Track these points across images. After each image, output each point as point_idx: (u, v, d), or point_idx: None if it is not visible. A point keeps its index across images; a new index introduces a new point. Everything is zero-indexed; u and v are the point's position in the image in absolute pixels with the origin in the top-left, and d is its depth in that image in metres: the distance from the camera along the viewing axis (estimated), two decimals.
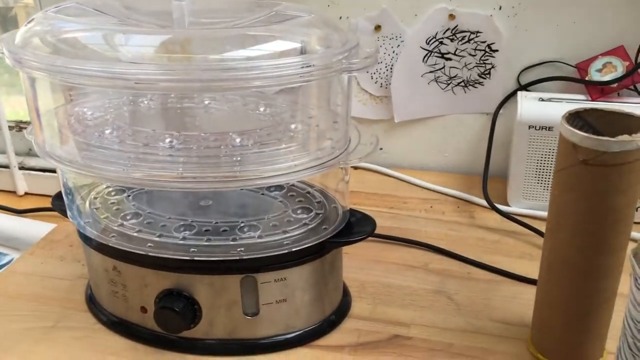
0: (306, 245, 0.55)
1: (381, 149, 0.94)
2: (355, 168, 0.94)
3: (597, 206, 0.47)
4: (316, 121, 0.57)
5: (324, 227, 0.57)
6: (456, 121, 0.89)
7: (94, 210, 0.61)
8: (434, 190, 0.87)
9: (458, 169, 0.92)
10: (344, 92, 0.55)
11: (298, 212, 0.60)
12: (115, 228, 0.58)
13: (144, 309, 0.58)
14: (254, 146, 0.52)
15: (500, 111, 0.85)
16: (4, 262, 0.82)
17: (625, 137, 0.44)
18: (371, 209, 0.82)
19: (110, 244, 0.56)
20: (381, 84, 0.88)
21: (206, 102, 0.62)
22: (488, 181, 0.82)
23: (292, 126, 0.57)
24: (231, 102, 0.62)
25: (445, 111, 0.89)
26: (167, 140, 0.53)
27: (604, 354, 0.56)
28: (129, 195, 0.63)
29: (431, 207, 0.83)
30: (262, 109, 0.61)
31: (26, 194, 1.02)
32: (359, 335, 0.60)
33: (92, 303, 0.63)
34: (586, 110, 0.50)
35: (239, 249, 0.54)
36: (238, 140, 0.53)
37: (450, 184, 0.88)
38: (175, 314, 0.55)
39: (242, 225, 0.58)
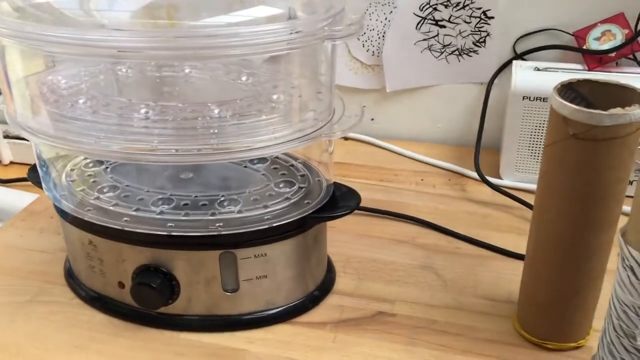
0: (287, 221, 0.53)
1: (372, 119, 0.92)
2: (346, 139, 0.92)
3: (587, 182, 0.45)
4: (299, 91, 0.55)
5: (306, 201, 0.56)
6: (450, 91, 0.87)
7: (70, 182, 0.59)
8: (425, 162, 0.85)
9: (451, 140, 0.89)
10: (328, 60, 0.52)
11: (280, 185, 0.58)
12: (92, 201, 0.56)
13: (121, 284, 0.56)
14: (232, 118, 0.50)
15: (495, 81, 0.82)
16: None
17: (617, 110, 0.42)
18: (361, 182, 0.81)
19: (85, 218, 0.54)
20: (373, 52, 0.85)
21: (187, 71, 0.60)
22: (481, 153, 0.80)
23: (274, 97, 0.55)
24: (213, 71, 0.59)
25: (439, 80, 0.86)
26: (143, 110, 0.51)
27: (590, 331, 0.55)
28: (107, 168, 0.61)
29: (422, 179, 0.81)
30: (244, 79, 0.58)
31: (11, 163, 1.00)
32: (342, 311, 0.59)
33: (71, 277, 0.62)
34: (579, 82, 0.47)
35: (217, 224, 0.53)
36: (216, 111, 0.51)
37: (442, 155, 0.86)
38: (152, 290, 0.53)
39: (222, 199, 0.56)
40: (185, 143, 0.48)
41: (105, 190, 0.57)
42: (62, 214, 0.57)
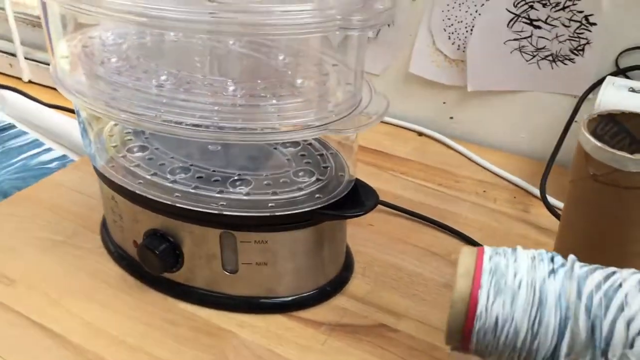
0: (290, 212, 0.51)
1: (452, 117, 0.86)
2: (420, 134, 0.87)
3: (606, 231, 0.38)
4: (324, 79, 0.52)
5: (317, 195, 0.53)
6: (538, 99, 0.78)
7: (109, 137, 0.61)
8: (493, 173, 0.78)
9: (532, 153, 0.81)
10: (354, 49, 0.49)
11: (299, 174, 0.56)
12: (119, 159, 0.58)
13: (135, 243, 0.58)
14: (242, 98, 0.49)
15: (590, 95, 0.73)
16: (53, 156, 0.85)
17: None
18: (418, 182, 0.76)
19: (106, 174, 0.56)
20: (458, 45, 0.79)
21: (231, 42, 0.59)
22: (557, 173, 0.71)
23: (298, 81, 0.52)
24: (254, 47, 0.58)
25: (527, 87, 0.78)
26: (162, 77, 0.51)
27: None
28: None
29: (484, 191, 0.75)
30: (281, 58, 0.56)
31: (30, 82, 1.05)
32: (344, 315, 0.56)
33: (104, 227, 0.65)
34: (624, 114, 0.40)
35: (220, 203, 0.52)
36: (231, 89, 0.50)
37: (516, 169, 0.78)
38: (155, 255, 0.54)
39: (235, 178, 0.55)
40: (185, 117, 0.47)
41: (135, 149, 0.59)
42: (95, 166, 0.60)
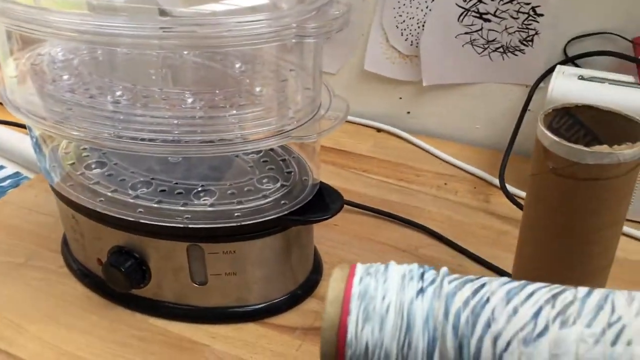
0: (256, 221, 0.51)
1: (409, 112, 0.86)
2: (378, 130, 0.87)
3: (566, 223, 0.39)
4: (282, 85, 0.52)
5: (283, 202, 0.53)
6: (492, 91, 0.80)
7: (65, 154, 0.59)
8: (453, 165, 0.79)
9: (489, 144, 0.83)
10: (310, 52, 0.49)
11: (264, 181, 0.56)
12: (76, 176, 0.56)
13: (99, 261, 0.57)
14: (202, 109, 0.48)
15: (541, 85, 0.75)
16: (5, 174, 0.82)
17: (602, 147, 0.36)
18: (379, 179, 0.77)
19: (63, 193, 0.54)
20: (411, 41, 0.80)
21: (185, 52, 0.58)
22: (516, 162, 0.73)
23: (257, 89, 0.52)
24: (206, 55, 0.57)
25: (481, 78, 0.79)
26: (118, 93, 0.50)
27: None
28: None
29: (445, 184, 0.76)
30: (237, 66, 0.56)
31: None
32: (316, 318, 0.56)
33: (65, 245, 0.63)
34: (578, 107, 0.41)
35: (185, 216, 0.51)
36: (190, 100, 0.49)
37: (475, 159, 0.80)
38: (120, 273, 0.53)
39: (199, 189, 0.54)
40: (144, 133, 0.46)
41: (93, 166, 0.57)
42: (51, 185, 0.58)
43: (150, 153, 0.47)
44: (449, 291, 0.29)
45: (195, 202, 0.53)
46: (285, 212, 0.52)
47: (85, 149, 0.60)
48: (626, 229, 0.65)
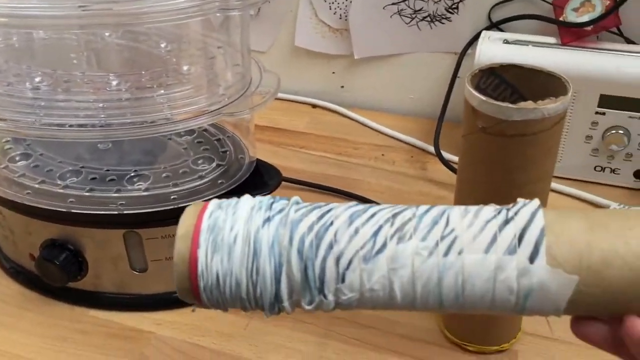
0: (195, 203, 0.50)
1: (342, 87, 0.87)
2: (314, 106, 0.87)
3: (499, 180, 0.40)
4: (211, 63, 0.50)
5: (220, 181, 0.52)
6: (423, 60, 0.81)
7: None
8: (389, 136, 0.80)
9: (423, 113, 0.84)
10: (237, 28, 0.48)
11: (199, 162, 0.55)
12: (0, 170, 0.54)
13: (32, 256, 0.54)
14: (128, 91, 0.46)
15: (468, 51, 0.76)
16: None
17: (528, 103, 0.37)
18: (318, 154, 0.76)
19: None
20: (340, 15, 0.80)
21: (106, 34, 0.56)
22: (452, 128, 0.74)
23: (185, 68, 0.51)
24: (129, 35, 0.55)
25: (411, 48, 0.80)
26: (37, 79, 0.48)
27: (518, 335, 0.51)
28: None
29: (383, 155, 0.76)
30: (163, 46, 0.54)
31: None
32: None
33: None
34: (502, 67, 0.42)
35: (119, 203, 0.50)
36: (115, 83, 0.47)
37: (410, 129, 0.81)
38: (56, 267, 0.51)
39: (132, 174, 0.53)
40: (69, 118, 0.44)
41: (17, 158, 0.55)
42: None
43: (76, 139, 0.46)
44: (294, 218, 0.30)
45: (129, 188, 0.51)
46: (223, 192, 0.51)
47: (8, 140, 0.57)
48: (555, 185, 0.68)
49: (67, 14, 0.41)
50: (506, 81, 0.42)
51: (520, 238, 0.28)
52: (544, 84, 0.41)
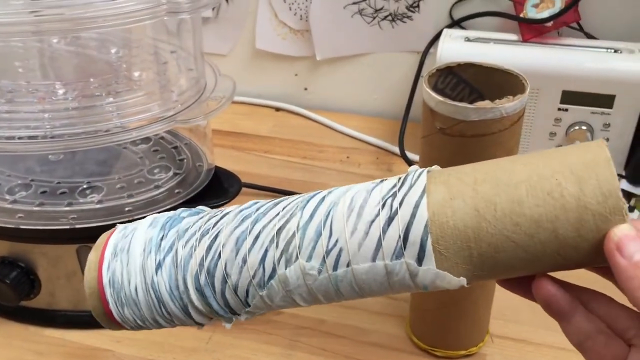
0: (150, 213, 0.48)
1: (306, 89, 0.85)
2: (277, 110, 0.86)
3: None
4: (163, 68, 0.49)
5: (177, 190, 0.50)
6: (385, 60, 0.80)
7: None
8: (354, 138, 0.79)
9: (388, 113, 0.83)
10: (189, 32, 0.46)
11: (155, 171, 0.53)
12: None
13: None
14: (75, 100, 0.44)
15: (431, 50, 0.75)
16: None
17: (485, 103, 0.36)
18: (282, 158, 0.75)
19: None
20: (300, 15, 0.78)
21: (54, 41, 0.54)
22: (417, 128, 0.73)
23: (136, 74, 0.49)
24: (78, 42, 0.53)
25: (373, 48, 0.79)
26: None
27: (486, 338, 0.50)
28: None
29: (348, 157, 0.75)
30: (113, 51, 0.52)
31: None
32: None
33: None
34: (460, 66, 0.41)
35: (70, 217, 0.48)
36: (61, 92, 0.45)
37: (375, 130, 0.80)
38: (6, 286, 0.49)
39: (85, 187, 0.51)
40: (14, 130, 0.42)
41: None
42: None
43: (24, 152, 0.44)
44: (184, 256, 0.31)
45: (81, 201, 0.49)
46: (181, 201, 0.49)
47: None
48: None
49: (18, 20, 0.40)
50: (464, 80, 0.41)
51: (405, 239, 0.27)
52: (502, 82, 0.40)
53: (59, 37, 0.52)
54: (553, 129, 0.65)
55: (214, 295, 0.30)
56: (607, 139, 0.64)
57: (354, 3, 0.76)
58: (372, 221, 0.28)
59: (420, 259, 0.27)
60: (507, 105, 0.36)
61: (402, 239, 0.27)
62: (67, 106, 0.45)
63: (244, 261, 0.29)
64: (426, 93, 0.38)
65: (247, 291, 0.29)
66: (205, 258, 0.30)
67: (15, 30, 0.41)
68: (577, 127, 0.64)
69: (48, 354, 0.50)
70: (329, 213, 0.29)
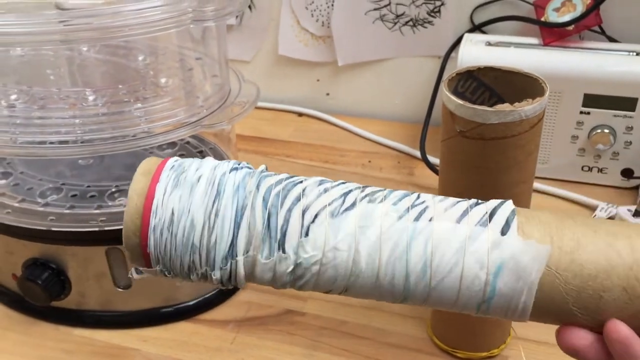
0: None
1: (328, 94, 0.86)
2: (300, 115, 0.87)
3: (480, 183, 0.40)
4: (190, 75, 0.50)
5: None
6: (407, 65, 0.80)
7: None
8: (376, 142, 0.79)
9: (409, 118, 0.84)
10: (214, 39, 0.47)
11: None
12: None
13: (15, 276, 0.54)
14: (104, 106, 0.46)
15: (452, 54, 0.76)
16: None
17: (505, 106, 0.37)
18: (304, 163, 0.76)
19: None
20: (322, 22, 0.80)
21: (85, 49, 0.56)
22: (437, 132, 0.74)
23: (162, 80, 0.50)
24: (107, 50, 0.55)
25: (394, 54, 0.80)
26: (13, 97, 0.47)
27: (508, 340, 0.50)
28: None
29: (369, 161, 0.76)
30: (141, 59, 0.54)
31: None
32: (249, 309, 0.55)
33: None
34: (480, 69, 0.42)
35: (100, 219, 0.49)
36: (91, 98, 0.47)
37: (396, 135, 0.80)
38: (38, 286, 0.50)
39: (113, 190, 0.52)
40: (46, 135, 0.44)
41: None
42: None
43: (55, 156, 0.45)
44: (263, 173, 0.29)
45: (110, 204, 0.51)
46: None
47: None
48: (542, 186, 0.67)
49: (48, 29, 0.41)
50: (484, 84, 0.42)
51: (492, 215, 0.28)
52: (522, 85, 0.41)
53: (88, 46, 0.54)
54: (575, 132, 0.65)
55: (279, 209, 0.27)
56: (630, 142, 0.64)
57: (375, 9, 0.77)
58: (459, 201, 0.30)
59: (503, 232, 0.28)
60: (527, 107, 0.36)
61: (488, 214, 0.28)
62: (96, 112, 0.46)
63: (325, 190, 0.28)
64: (446, 96, 0.39)
65: (316, 215, 0.28)
66: (285, 179, 0.29)
67: (45, 40, 0.43)
68: (599, 131, 0.64)
69: (77, 352, 0.51)
70: (414, 192, 0.30)
